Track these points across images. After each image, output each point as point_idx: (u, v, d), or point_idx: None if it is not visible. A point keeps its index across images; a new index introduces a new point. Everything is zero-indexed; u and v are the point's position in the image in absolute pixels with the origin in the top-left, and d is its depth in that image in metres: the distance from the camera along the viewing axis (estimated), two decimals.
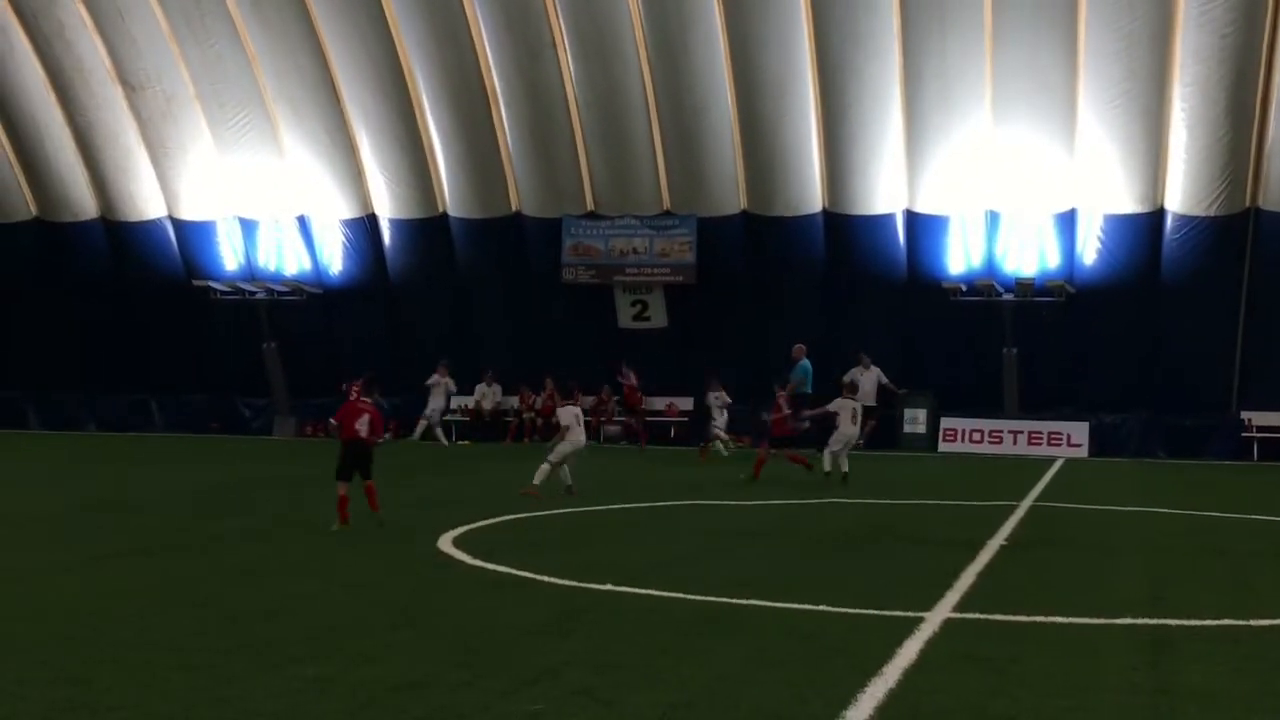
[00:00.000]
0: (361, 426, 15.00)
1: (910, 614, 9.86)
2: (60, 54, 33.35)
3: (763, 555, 13.73)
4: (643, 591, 10.89)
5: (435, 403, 32.19)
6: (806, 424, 24.58)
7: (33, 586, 11.14)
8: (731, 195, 32.02)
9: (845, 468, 21.54)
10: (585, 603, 10.50)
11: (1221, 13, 27.84)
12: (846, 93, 30.21)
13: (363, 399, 15.25)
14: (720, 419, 28.62)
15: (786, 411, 23.04)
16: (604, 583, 11.14)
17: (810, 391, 26.87)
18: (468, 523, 15.38)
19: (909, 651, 8.63)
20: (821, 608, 10.26)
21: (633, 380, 32.00)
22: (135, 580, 11.58)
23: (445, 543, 13.73)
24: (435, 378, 32.03)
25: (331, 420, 15.91)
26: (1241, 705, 7.50)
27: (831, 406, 22.18)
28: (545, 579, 11.46)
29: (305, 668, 8.06)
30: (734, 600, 10.46)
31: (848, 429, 21.78)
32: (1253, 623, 9.91)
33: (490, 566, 12.18)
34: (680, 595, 10.75)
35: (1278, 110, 28.83)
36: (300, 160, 33.36)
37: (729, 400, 28.79)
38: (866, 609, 10.26)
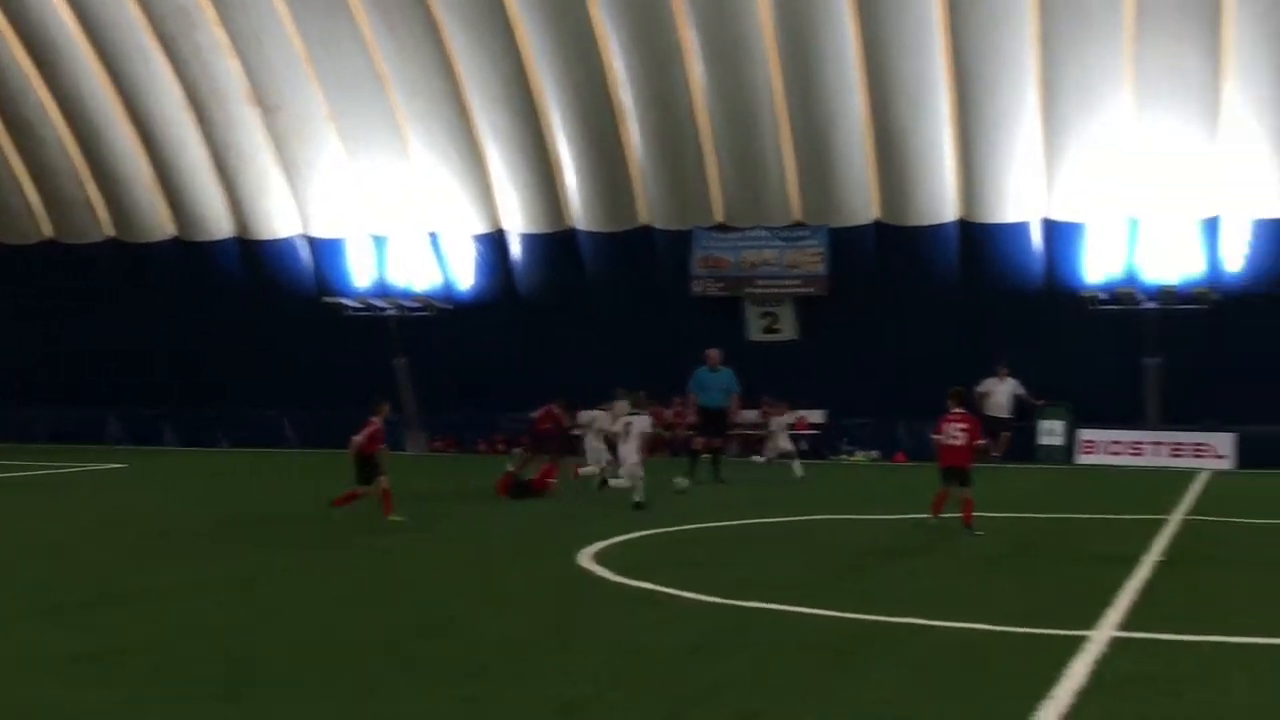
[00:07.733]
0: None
1: (1073, 633, 9.52)
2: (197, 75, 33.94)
3: (911, 573, 13.36)
4: (795, 609, 10.66)
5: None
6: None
7: (189, 603, 11.25)
8: (864, 205, 31.61)
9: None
10: (737, 620, 10.30)
11: None
12: (979, 100, 29.73)
13: None
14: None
15: None
16: (753, 600, 10.94)
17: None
18: (604, 539, 15.27)
19: (1077, 672, 8.31)
20: (980, 626, 9.96)
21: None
22: (286, 599, 11.64)
23: (585, 559, 13.62)
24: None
25: None
26: None
27: None
28: (692, 596, 11.28)
29: (460, 688, 7.97)
30: (889, 618, 10.18)
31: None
32: None
33: (634, 583, 12.03)
34: (833, 613, 10.50)
35: None
36: (431, 177, 33.57)
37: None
38: (1026, 628, 9.93)
